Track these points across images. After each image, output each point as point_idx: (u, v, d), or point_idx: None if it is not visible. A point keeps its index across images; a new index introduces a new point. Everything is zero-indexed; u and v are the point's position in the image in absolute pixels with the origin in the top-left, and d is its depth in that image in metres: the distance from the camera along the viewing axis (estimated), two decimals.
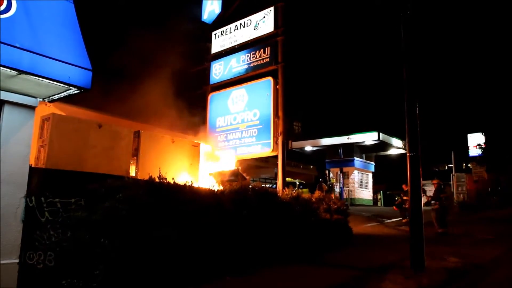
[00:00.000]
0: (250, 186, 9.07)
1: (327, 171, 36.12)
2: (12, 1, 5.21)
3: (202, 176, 11.21)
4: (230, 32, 15.04)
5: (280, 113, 12.78)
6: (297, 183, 28.08)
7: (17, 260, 5.75)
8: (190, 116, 15.05)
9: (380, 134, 30.68)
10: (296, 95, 30.97)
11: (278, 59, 13.18)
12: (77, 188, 6.49)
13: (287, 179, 14.80)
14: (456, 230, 14.82)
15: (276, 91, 12.98)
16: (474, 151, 44.28)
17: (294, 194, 10.35)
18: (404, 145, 29.96)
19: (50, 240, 6.06)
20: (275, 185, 17.81)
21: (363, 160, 36.17)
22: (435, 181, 14.54)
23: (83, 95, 6.09)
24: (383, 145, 33.38)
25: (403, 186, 18.53)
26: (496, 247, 10.90)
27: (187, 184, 7.67)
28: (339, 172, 34.64)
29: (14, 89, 5.75)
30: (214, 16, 15.93)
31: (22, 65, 5.13)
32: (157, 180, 7.31)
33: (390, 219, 19.48)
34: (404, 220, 17.23)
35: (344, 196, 31.97)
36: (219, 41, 15.41)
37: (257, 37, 14.03)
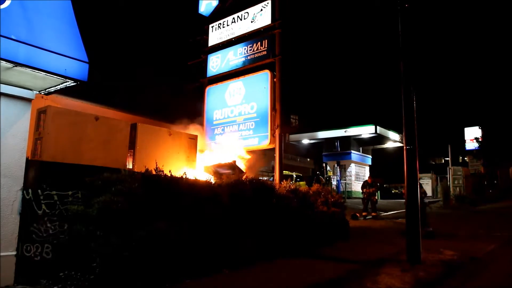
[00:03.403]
0: (247, 179, 9.07)
1: (324, 164, 36.19)
2: None
3: (199, 169, 11.20)
4: (227, 25, 14.98)
5: (277, 106, 12.75)
6: (294, 176, 28.07)
7: (14, 253, 5.76)
8: (186, 109, 15.02)
9: (377, 127, 30.75)
10: (293, 88, 30.96)
11: (275, 52, 13.13)
12: (74, 180, 6.48)
13: (284, 172, 14.81)
14: (452, 223, 14.90)
15: (273, 84, 12.95)
16: (470, 145, 44.45)
17: (291, 187, 10.36)
18: (401, 138, 30.09)
19: (47, 233, 6.05)
20: (272, 178, 17.84)
21: (360, 153, 36.25)
22: None
23: (79, 87, 6.06)
24: (380, 138, 33.46)
25: (368, 179, 18.83)
26: (492, 241, 10.96)
27: (184, 177, 7.66)
28: (336, 165, 34.72)
29: (10, 81, 5.72)
30: (211, 9, 15.84)
31: (18, 57, 5.11)
32: (154, 172, 7.30)
33: (387, 212, 19.57)
34: (364, 213, 17.15)
35: (341, 189, 32.05)
36: (216, 34, 15.34)
37: (254, 30, 13.97)
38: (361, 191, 18.70)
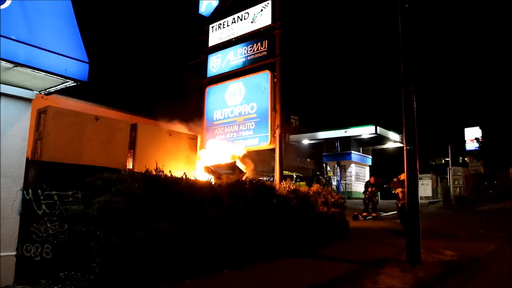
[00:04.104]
0: (247, 179, 9.07)
1: (324, 165, 36.17)
2: None
3: (199, 169, 11.20)
4: (227, 25, 14.97)
5: (277, 106, 12.74)
6: (294, 176, 28.05)
7: (14, 253, 5.76)
8: (187, 109, 15.02)
9: (377, 127, 30.72)
10: (293, 88, 30.93)
11: (276, 52, 13.12)
12: (74, 180, 6.49)
13: (284, 172, 14.80)
14: (452, 224, 14.89)
15: (273, 84, 12.94)
16: (471, 145, 44.35)
17: (292, 187, 10.35)
18: (401, 138, 30.01)
19: (47, 233, 6.06)
20: (272, 178, 17.85)
21: (360, 153, 36.23)
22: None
23: (79, 87, 6.06)
24: (380, 139, 33.44)
25: (371, 179, 18.98)
26: (492, 241, 10.95)
27: (184, 177, 7.66)
28: (336, 165, 34.71)
29: (10, 81, 5.72)
30: (211, 9, 15.83)
31: (18, 58, 5.11)
32: (154, 173, 7.30)
33: (387, 212, 19.54)
34: (364, 214, 17.27)
35: (341, 189, 32.04)
36: (217, 34, 15.33)
37: (255, 30, 13.96)
38: (363, 190, 18.75)
